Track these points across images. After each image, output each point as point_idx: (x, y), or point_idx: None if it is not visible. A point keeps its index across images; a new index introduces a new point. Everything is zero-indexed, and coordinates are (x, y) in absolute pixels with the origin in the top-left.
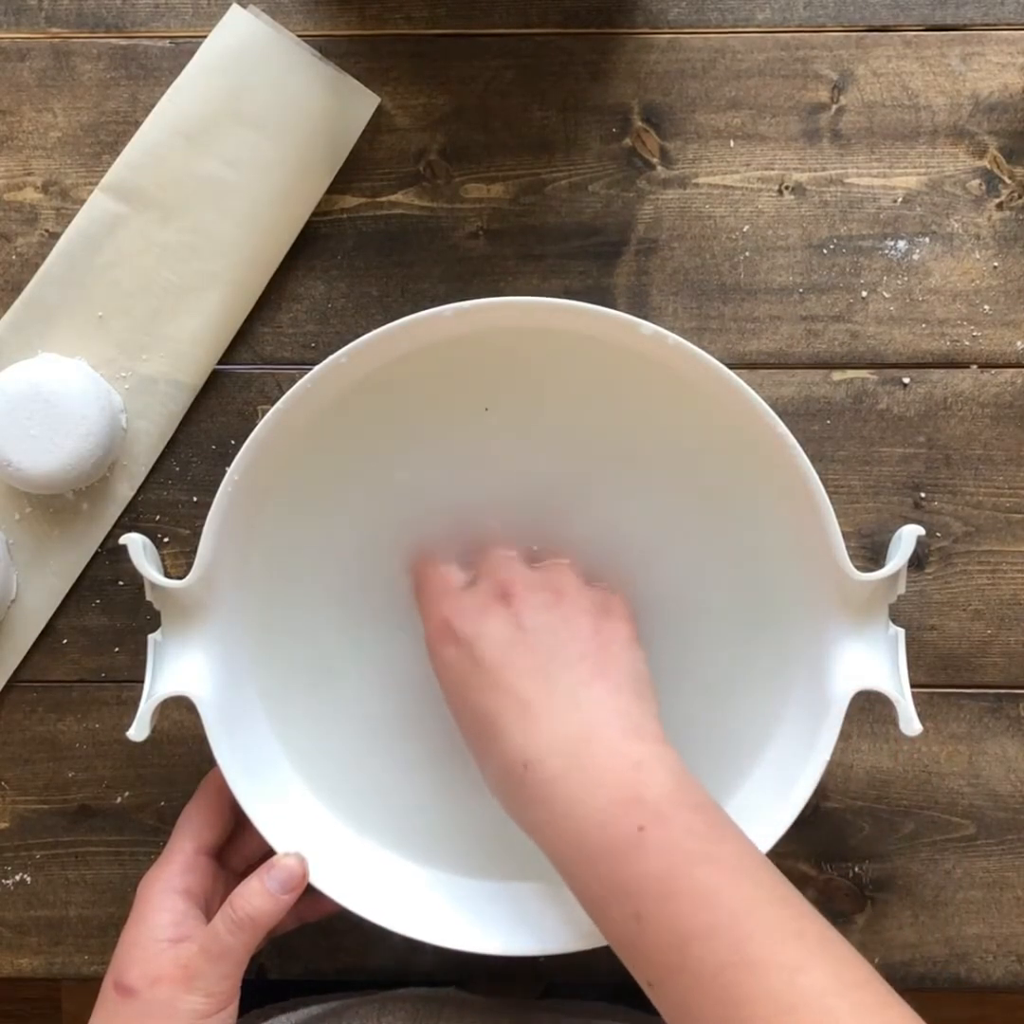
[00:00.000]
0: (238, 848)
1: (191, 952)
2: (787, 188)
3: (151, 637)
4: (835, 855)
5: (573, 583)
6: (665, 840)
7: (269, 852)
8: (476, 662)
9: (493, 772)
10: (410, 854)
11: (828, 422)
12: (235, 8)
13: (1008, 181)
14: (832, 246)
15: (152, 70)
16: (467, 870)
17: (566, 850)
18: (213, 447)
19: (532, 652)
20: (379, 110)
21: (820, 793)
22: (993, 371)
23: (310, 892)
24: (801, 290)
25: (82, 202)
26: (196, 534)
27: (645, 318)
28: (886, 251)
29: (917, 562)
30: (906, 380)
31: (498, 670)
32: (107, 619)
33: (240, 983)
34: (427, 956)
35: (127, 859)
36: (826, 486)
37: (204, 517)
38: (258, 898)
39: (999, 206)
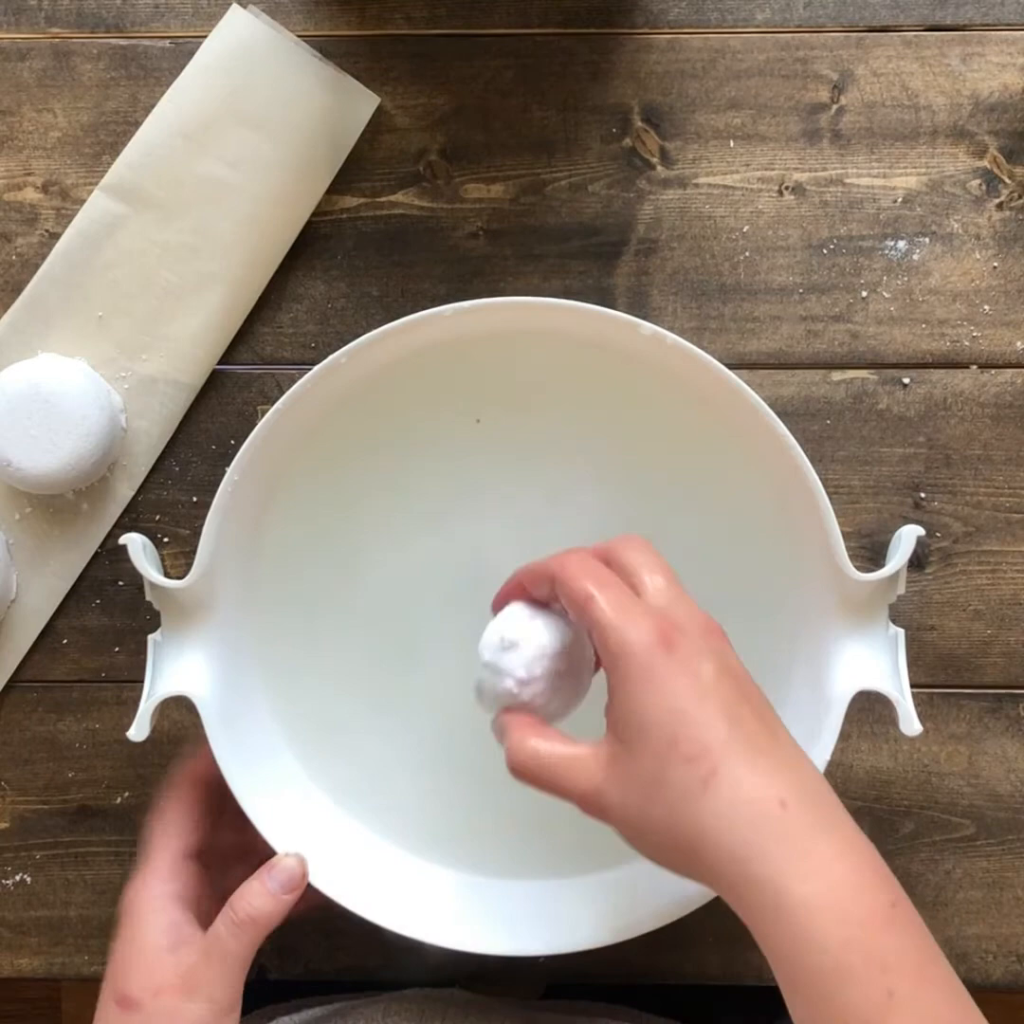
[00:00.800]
0: (213, 845)
1: (191, 959)
2: (787, 188)
3: (151, 637)
4: None
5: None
6: (916, 924)
7: (245, 844)
8: (707, 685)
9: (725, 809)
10: (418, 851)
11: (828, 422)
12: (235, 8)
13: (1008, 181)
14: (832, 246)
15: (152, 70)
16: (473, 868)
17: (820, 909)
18: (213, 447)
19: (753, 692)
20: (379, 110)
21: None
22: (993, 371)
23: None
24: (801, 290)
25: (82, 202)
26: (196, 534)
27: (645, 318)
28: (886, 251)
29: (917, 562)
30: (906, 380)
31: (732, 702)
32: (107, 619)
33: (242, 987)
34: (427, 956)
35: (127, 859)
36: (826, 486)
37: (204, 517)
38: (259, 899)
39: (999, 206)
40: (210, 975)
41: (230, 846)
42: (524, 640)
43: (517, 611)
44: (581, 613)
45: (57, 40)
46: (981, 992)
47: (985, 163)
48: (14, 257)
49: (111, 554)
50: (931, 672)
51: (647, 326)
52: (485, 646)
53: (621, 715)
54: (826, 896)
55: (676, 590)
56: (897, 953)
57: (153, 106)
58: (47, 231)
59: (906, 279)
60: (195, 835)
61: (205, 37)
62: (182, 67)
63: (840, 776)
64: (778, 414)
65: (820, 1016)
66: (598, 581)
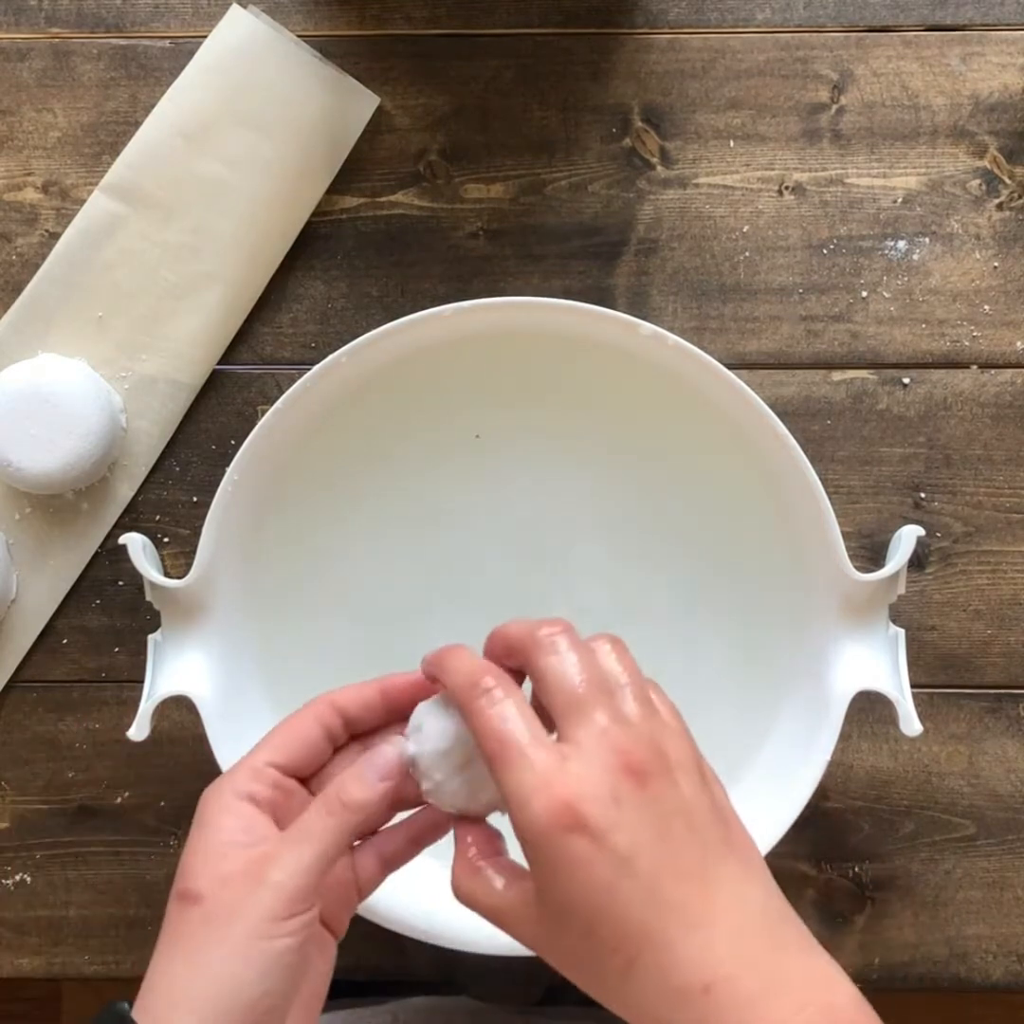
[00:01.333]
0: (328, 773)
1: (266, 849)
2: (787, 188)
3: (151, 637)
4: (835, 855)
5: (676, 728)
6: None
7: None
8: (622, 864)
9: (643, 1001)
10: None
11: (828, 422)
12: (235, 8)
13: (1008, 181)
14: (832, 246)
15: (152, 70)
16: None
17: None
18: (213, 447)
19: (685, 847)
20: (379, 110)
21: (820, 793)
22: (993, 371)
23: (426, 812)
24: (801, 290)
25: (82, 202)
26: (196, 534)
27: (645, 318)
28: (886, 251)
29: (917, 562)
30: (906, 380)
31: (655, 877)
32: (107, 619)
33: (323, 884)
34: (426, 956)
35: (127, 859)
36: (826, 486)
37: (204, 517)
38: (352, 783)
39: (999, 206)
40: (286, 859)
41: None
42: (428, 741)
43: (426, 708)
44: (488, 761)
45: (57, 40)
46: (981, 992)
47: (985, 163)
48: (14, 257)
49: (111, 554)
50: (931, 672)
51: (647, 326)
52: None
53: (539, 891)
54: None
55: (616, 724)
56: None
57: (153, 106)
58: (47, 231)
59: (906, 279)
60: (299, 752)
61: (205, 37)
62: (182, 67)
63: (840, 776)
64: (778, 414)
65: None
66: (506, 736)
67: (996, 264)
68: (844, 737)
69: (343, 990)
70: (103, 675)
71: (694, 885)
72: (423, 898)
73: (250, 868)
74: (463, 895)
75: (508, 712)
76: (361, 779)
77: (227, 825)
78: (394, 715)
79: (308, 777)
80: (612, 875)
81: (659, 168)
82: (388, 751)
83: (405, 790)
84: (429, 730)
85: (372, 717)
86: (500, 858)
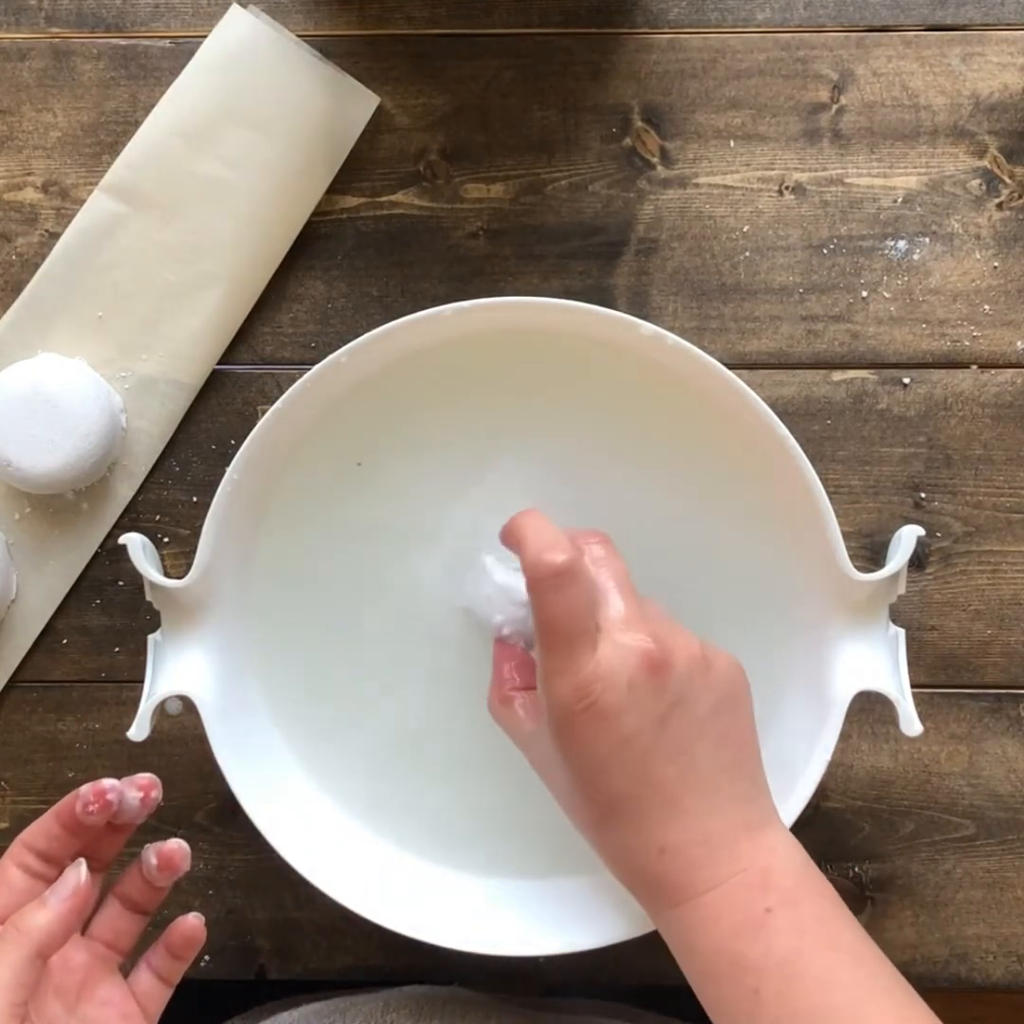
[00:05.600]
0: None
1: None
2: (787, 188)
3: (151, 637)
4: (835, 855)
5: (688, 636)
6: (792, 923)
7: None
8: (622, 743)
9: (613, 844)
10: (418, 851)
11: (828, 422)
12: (235, 8)
13: (1008, 181)
14: (832, 246)
15: (152, 70)
16: (472, 867)
17: (692, 926)
18: (213, 447)
19: (679, 734)
20: (379, 110)
21: (820, 793)
22: (993, 371)
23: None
24: (801, 290)
25: (82, 202)
26: (196, 534)
27: (645, 318)
28: (886, 251)
29: (917, 562)
30: (906, 380)
31: (645, 756)
32: (107, 619)
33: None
34: (427, 956)
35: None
36: (826, 486)
37: (204, 517)
38: (32, 909)
39: (999, 206)
40: None
41: None
42: (502, 588)
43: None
44: (536, 634)
45: (57, 40)
46: (981, 992)
47: (985, 163)
48: (14, 257)
49: (111, 554)
50: (931, 672)
51: (647, 326)
52: (481, 582)
53: (551, 737)
54: (697, 917)
55: (633, 614)
56: (763, 956)
57: (153, 106)
58: (47, 231)
59: (906, 279)
60: (9, 897)
61: (205, 37)
62: (182, 67)
63: (840, 776)
64: (778, 414)
65: (707, 1009)
66: (552, 624)
67: (996, 264)
68: (844, 737)
69: (341, 990)
70: (103, 675)
71: (676, 768)
72: (424, 898)
73: None
74: (493, 715)
75: (558, 600)
76: (44, 903)
77: None
78: (77, 833)
79: None
80: (611, 751)
81: (659, 168)
82: (68, 875)
83: (129, 892)
84: (498, 575)
85: (59, 843)
86: (530, 693)
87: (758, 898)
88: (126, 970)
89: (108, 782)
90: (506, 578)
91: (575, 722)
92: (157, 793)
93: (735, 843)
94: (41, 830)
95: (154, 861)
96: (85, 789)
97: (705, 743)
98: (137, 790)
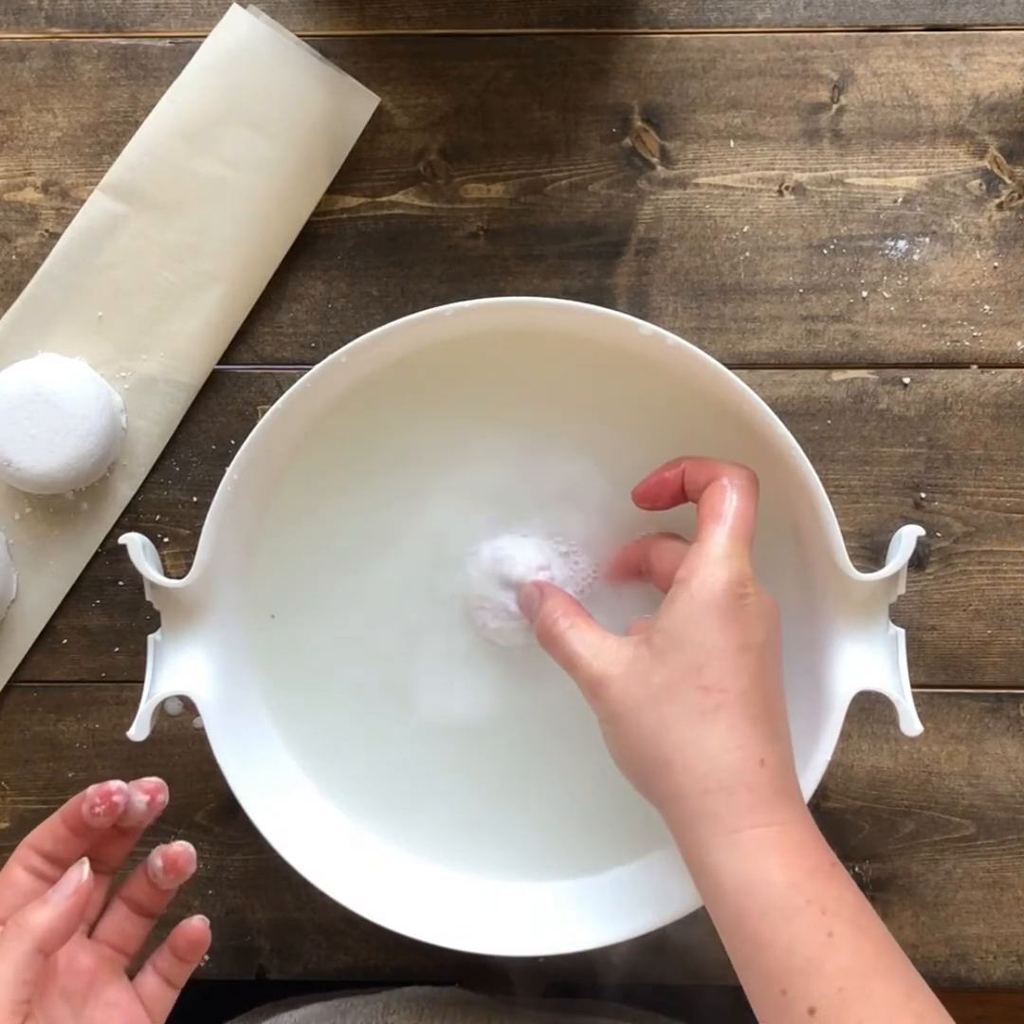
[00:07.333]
0: None
1: None
2: (787, 188)
3: (151, 637)
4: (835, 855)
5: None
6: (849, 879)
7: None
8: (750, 649)
9: (714, 737)
10: (418, 851)
11: (828, 422)
12: (235, 8)
13: (1008, 181)
14: (832, 246)
15: (152, 70)
16: (473, 868)
17: (765, 853)
18: (213, 447)
19: (777, 668)
20: (379, 110)
21: (820, 793)
22: (993, 371)
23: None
24: (801, 290)
25: (82, 202)
26: (196, 534)
27: (645, 318)
28: (886, 251)
29: (917, 562)
30: (906, 380)
31: (764, 668)
32: (107, 619)
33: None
34: (427, 956)
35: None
36: (826, 486)
37: (204, 517)
38: (35, 907)
39: (999, 206)
40: None
41: None
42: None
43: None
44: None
45: (57, 40)
46: (981, 992)
47: (985, 163)
48: (14, 257)
49: (111, 554)
50: (931, 672)
51: (647, 326)
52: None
53: (666, 625)
54: (777, 842)
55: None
56: (837, 901)
57: (153, 106)
58: (47, 231)
59: (906, 279)
60: (15, 900)
61: (205, 37)
62: (182, 67)
63: (840, 776)
64: (778, 414)
65: (763, 952)
66: (747, 508)
67: (996, 264)
68: (844, 737)
69: (341, 990)
70: (103, 675)
71: (778, 692)
72: (424, 898)
73: None
74: (560, 626)
75: (756, 501)
76: (45, 901)
77: None
78: (83, 835)
79: None
80: (745, 643)
81: (659, 168)
82: (71, 874)
83: (135, 895)
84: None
85: (65, 845)
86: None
87: (826, 851)
88: (132, 973)
89: (115, 784)
90: (518, 544)
91: (725, 610)
92: (164, 797)
93: (763, 803)
94: (47, 832)
95: (159, 864)
96: (91, 791)
97: (774, 688)
98: (144, 794)
